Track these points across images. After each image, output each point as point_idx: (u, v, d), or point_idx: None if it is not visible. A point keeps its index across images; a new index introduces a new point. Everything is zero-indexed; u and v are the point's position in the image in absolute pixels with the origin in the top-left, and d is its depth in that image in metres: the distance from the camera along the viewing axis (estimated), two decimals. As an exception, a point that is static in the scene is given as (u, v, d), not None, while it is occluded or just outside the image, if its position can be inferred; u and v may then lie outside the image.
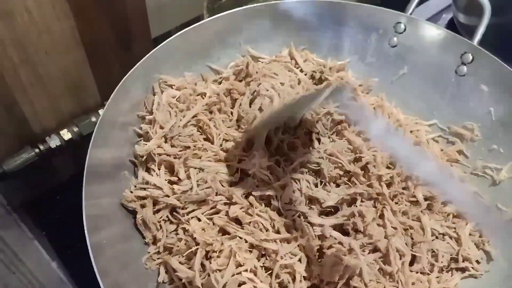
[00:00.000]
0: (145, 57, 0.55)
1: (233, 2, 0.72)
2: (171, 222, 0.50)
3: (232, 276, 0.45)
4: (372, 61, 0.67)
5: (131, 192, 0.51)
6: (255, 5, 0.64)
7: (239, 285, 0.45)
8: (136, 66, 0.55)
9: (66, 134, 0.63)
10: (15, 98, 0.58)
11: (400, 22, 0.63)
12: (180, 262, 0.47)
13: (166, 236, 0.49)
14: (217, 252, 0.47)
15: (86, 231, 0.42)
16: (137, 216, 0.49)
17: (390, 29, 0.63)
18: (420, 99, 0.65)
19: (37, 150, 0.62)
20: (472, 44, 0.59)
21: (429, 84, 0.64)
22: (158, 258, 0.49)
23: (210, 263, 0.46)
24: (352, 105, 0.50)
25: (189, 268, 0.47)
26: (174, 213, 0.50)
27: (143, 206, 0.50)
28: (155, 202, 0.50)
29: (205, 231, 0.48)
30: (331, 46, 0.66)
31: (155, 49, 0.56)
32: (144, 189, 0.51)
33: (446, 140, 0.63)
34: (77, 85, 0.63)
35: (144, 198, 0.50)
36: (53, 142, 0.63)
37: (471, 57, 0.59)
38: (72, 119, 0.65)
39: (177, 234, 0.50)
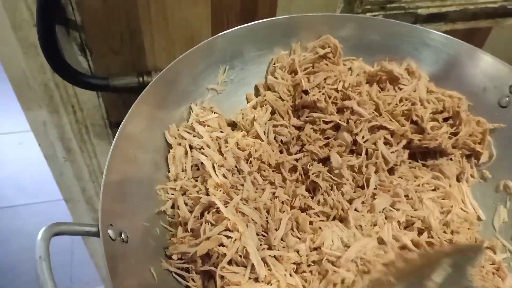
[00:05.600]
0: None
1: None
2: (198, 169, 0.53)
3: (218, 234, 0.46)
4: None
5: (178, 129, 0.54)
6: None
7: (220, 245, 0.46)
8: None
9: (169, 75, 0.70)
10: (141, 28, 0.67)
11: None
12: (186, 204, 0.50)
13: (188, 178, 0.52)
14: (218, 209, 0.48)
15: (114, 140, 0.45)
16: (170, 150, 0.53)
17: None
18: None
19: (140, 79, 0.71)
20: None
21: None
22: (172, 194, 0.51)
23: (208, 213, 0.47)
24: None
25: (190, 212, 0.49)
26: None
27: (179, 144, 0.53)
28: (191, 147, 0.53)
29: (218, 189, 0.49)
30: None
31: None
32: (189, 133, 0.54)
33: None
34: (194, 37, 0.70)
35: (184, 138, 0.53)
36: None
37: None
38: (181, 65, 0.72)
39: (197, 180, 0.52)
